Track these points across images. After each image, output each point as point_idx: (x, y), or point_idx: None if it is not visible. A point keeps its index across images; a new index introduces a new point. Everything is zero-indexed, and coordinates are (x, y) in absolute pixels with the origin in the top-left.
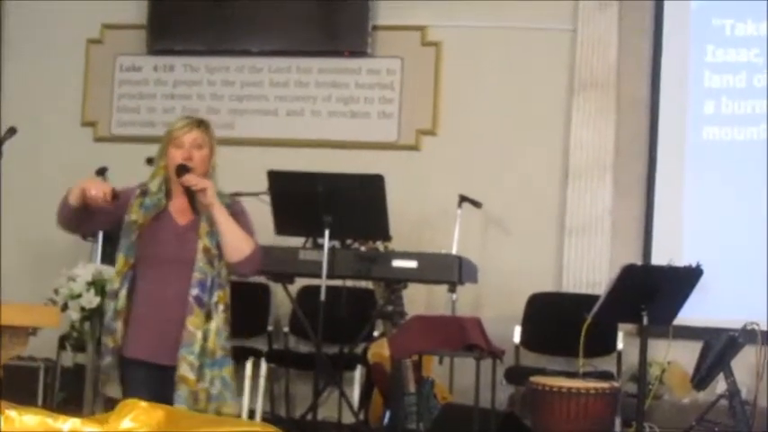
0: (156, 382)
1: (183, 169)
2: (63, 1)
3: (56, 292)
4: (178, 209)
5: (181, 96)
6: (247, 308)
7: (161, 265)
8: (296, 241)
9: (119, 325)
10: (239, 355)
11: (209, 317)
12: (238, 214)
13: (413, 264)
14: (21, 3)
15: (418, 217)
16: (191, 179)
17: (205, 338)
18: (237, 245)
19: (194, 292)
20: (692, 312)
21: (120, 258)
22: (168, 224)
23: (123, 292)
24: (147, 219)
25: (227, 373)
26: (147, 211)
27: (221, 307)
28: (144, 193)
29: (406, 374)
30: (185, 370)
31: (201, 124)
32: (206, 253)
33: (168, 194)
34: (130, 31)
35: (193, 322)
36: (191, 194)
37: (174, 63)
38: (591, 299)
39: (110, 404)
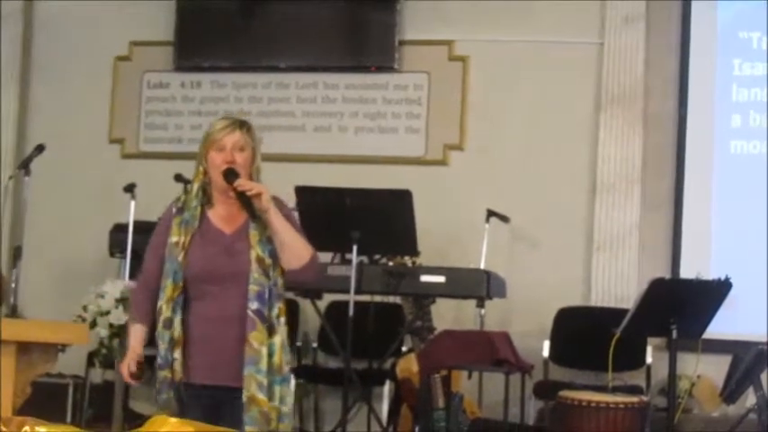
0: (219, 406)
1: (230, 174)
2: (91, 19)
3: (84, 308)
4: (221, 217)
5: (208, 113)
6: None
7: (213, 282)
8: (324, 257)
9: (176, 355)
10: None
11: (271, 331)
12: (288, 217)
13: (441, 279)
14: (49, 20)
15: (446, 232)
16: (245, 184)
17: (270, 354)
18: (298, 251)
19: (254, 306)
20: (721, 326)
21: (169, 285)
22: (214, 236)
23: (178, 319)
24: (189, 236)
25: (292, 388)
26: (188, 227)
27: (282, 320)
28: (180, 209)
29: (434, 390)
30: (254, 390)
31: (243, 125)
32: (260, 263)
33: (209, 201)
34: (158, 48)
35: (257, 338)
36: (245, 199)
37: (201, 79)
38: (619, 313)
39: (138, 420)
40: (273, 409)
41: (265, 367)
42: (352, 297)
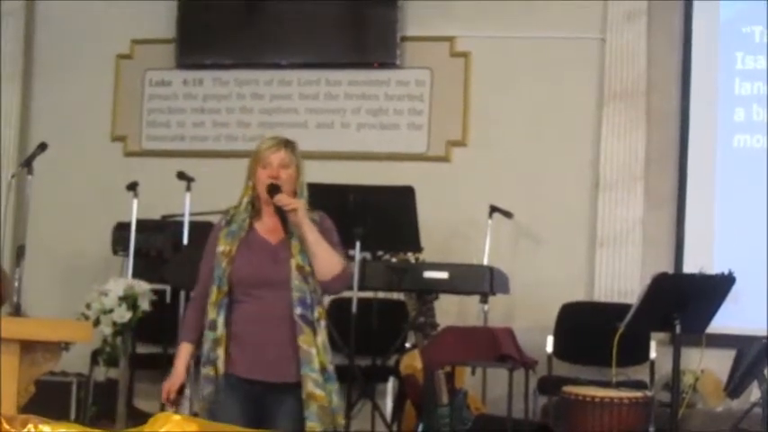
0: (257, 398)
1: (274, 189)
2: (93, 16)
3: (88, 306)
4: (268, 228)
5: (210, 110)
6: None
7: (258, 286)
8: None
9: (220, 353)
10: None
11: (315, 333)
12: (327, 231)
13: (444, 275)
14: (51, 18)
15: (449, 228)
16: (282, 199)
17: (318, 354)
18: (328, 264)
19: (298, 311)
20: (725, 320)
21: (214, 290)
22: (260, 245)
23: (221, 320)
24: (235, 245)
25: (337, 386)
26: (234, 237)
27: (323, 323)
28: (229, 222)
29: (438, 386)
30: (312, 387)
31: (288, 144)
32: (300, 271)
33: (257, 214)
34: (160, 46)
35: (305, 341)
36: (282, 214)
37: (203, 77)
38: (623, 308)
39: (141, 418)
40: (329, 404)
41: (317, 366)
42: (355, 294)
